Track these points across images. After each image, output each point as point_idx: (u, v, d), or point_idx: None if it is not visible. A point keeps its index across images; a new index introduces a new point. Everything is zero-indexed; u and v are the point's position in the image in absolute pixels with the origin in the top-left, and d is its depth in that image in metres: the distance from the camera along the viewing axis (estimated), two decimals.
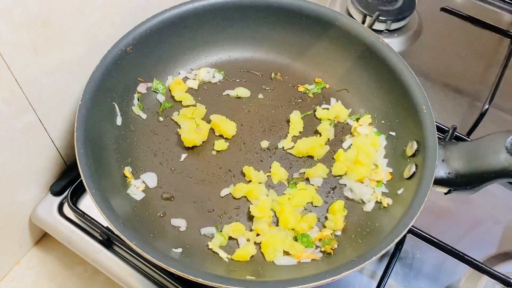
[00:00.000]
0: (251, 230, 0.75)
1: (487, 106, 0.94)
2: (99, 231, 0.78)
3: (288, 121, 0.86)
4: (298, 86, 0.91)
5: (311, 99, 0.90)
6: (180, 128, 0.84)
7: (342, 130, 0.87)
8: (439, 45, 1.11)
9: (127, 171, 0.78)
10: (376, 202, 0.77)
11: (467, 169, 0.70)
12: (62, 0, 0.68)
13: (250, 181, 0.80)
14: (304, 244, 0.73)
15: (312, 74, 0.92)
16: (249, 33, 0.92)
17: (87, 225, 0.80)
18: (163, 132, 0.84)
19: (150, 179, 0.78)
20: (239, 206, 0.78)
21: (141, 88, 0.86)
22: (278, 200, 0.77)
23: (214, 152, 0.83)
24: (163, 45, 0.87)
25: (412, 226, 0.71)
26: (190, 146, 0.82)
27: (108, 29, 0.80)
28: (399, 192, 0.75)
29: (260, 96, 0.90)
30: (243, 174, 0.80)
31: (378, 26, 1.08)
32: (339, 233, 0.75)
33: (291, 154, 0.83)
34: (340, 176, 0.81)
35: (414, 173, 0.73)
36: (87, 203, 0.82)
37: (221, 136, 0.85)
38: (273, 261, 0.72)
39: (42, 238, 0.88)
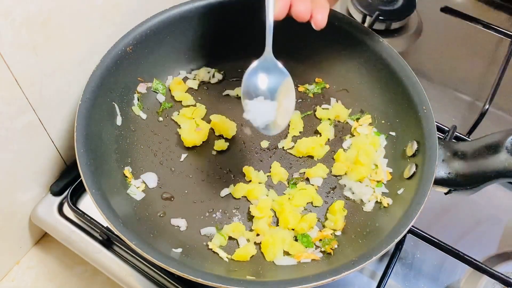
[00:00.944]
0: (251, 230, 0.75)
1: (487, 106, 0.94)
2: (99, 231, 0.78)
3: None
4: (298, 86, 0.91)
5: (311, 99, 0.90)
6: (180, 128, 0.84)
7: (342, 130, 0.87)
8: (439, 45, 1.11)
9: (127, 171, 0.78)
10: (376, 202, 0.77)
11: (467, 169, 0.70)
12: (62, 0, 0.68)
13: (250, 181, 0.80)
14: (304, 244, 0.73)
15: (312, 74, 0.92)
16: (249, 33, 0.91)
17: (87, 225, 0.80)
18: (163, 132, 0.84)
19: (151, 179, 0.78)
20: (239, 206, 0.78)
21: (141, 88, 0.86)
22: (278, 200, 0.77)
23: (214, 152, 0.83)
24: (163, 45, 0.87)
25: (412, 226, 0.71)
26: (190, 146, 0.82)
27: (108, 29, 0.80)
28: (399, 192, 0.75)
29: None
30: (243, 174, 0.80)
31: (378, 26, 1.08)
32: (339, 233, 0.75)
33: (291, 154, 0.83)
34: (340, 176, 0.81)
35: (414, 173, 0.73)
36: (87, 203, 0.82)
37: (221, 136, 0.85)
38: (273, 261, 0.72)
39: (42, 238, 0.88)
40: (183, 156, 0.82)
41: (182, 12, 0.86)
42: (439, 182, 0.71)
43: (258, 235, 0.74)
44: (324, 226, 0.76)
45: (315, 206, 0.78)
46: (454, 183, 0.72)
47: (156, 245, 0.68)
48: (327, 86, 0.91)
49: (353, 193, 0.79)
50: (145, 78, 0.86)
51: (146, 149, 0.82)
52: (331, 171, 0.82)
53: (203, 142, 0.83)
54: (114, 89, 0.81)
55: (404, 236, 0.75)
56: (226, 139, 0.84)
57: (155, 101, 0.87)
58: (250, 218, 0.76)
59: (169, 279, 0.75)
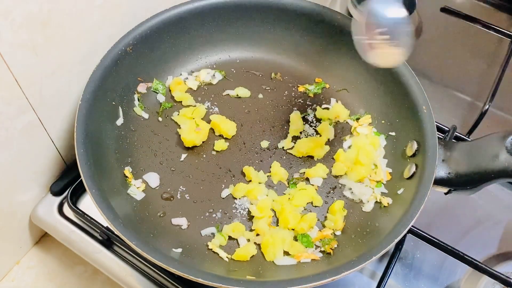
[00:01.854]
0: (251, 230, 0.75)
1: (487, 106, 0.94)
2: (99, 231, 0.78)
3: (288, 121, 0.86)
4: (298, 86, 0.91)
5: (311, 99, 0.90)
6: (180, 128, 0.84)
7: (342, 130, 0.87)
8: (439, 45, 1.11)
9: (127, 171, 0.78)
10: (376, 202, 0.77)
11: (467, 169, 0.70)
12: (62, 0, 0.68)
13: (250, 181, 0.80)
14: (304, 244, 0.73)
15: (312, 74, 0.92)
16: (249, 33, 0.92)
17: (87, 225, 0.80)
18: (163, 132, 0.84)
19: (153, 179, 0.78)
20: (239, 206, 0.78)
21: (141, 88, 0.86)
22: (278, 200, 0.77)
23: (214, 152, 0.83)
24: (163, 45, 0.87)
25: (412, 226, 0.71)
26: (190, 146, 0.82)
27: (108, 29, 0.80)
28: (399, 192, 0.75)
29: (260, 96, 0.90)
30: (243, 174, 0.80)
31: None
32: (339, 233, 0.75)
33: (291, 154, 0.83)
34: (340, 176, 0.81)
35: (414, 173, 0.73)
36: (87, 203, 0.82)
37: (221, 136, 0.85)
38: (273, 261, 0.72)
39: (42, 238, 0.88)
40: (183, 156, 0.82)
41: (182, 12, 0.86)
42: (439, 182, 0.71)
43: (258, 235, 0.74)
44: (324, 226, 0.76)
45: (315, 206, 0.78)
46: (454, 183, 0.72)
47: (156, 245, 0.68)
48: (327, 86, 0.91)
49: (353, 193, 0.79)
50: (145, 78, 0.86)
51: (146, 149, 0.82)
52: (331, 171, 0.82)
53: (203, 142, 0.83)
54: (114, 89, 0.81)
55: (404, 236, 0.75)
56: (226, 139, 0.84)
57: (155, 101, 0.87)
58: (250, 218, 0.76)
59: (169, 279, 0.75)
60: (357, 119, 0.87)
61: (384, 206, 0.75)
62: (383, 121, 0.85)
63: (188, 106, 0.87)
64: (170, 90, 0.89)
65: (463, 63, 1.08)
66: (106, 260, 0.77)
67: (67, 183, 0.83)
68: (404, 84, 0.79)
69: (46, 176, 0.83)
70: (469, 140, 0.89)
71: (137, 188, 0.77)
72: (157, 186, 0.78)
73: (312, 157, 0.83)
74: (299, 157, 0.83)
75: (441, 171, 0.72)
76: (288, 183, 0.80)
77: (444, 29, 1.14)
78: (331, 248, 0.72)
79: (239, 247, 0.73)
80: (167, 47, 0.87)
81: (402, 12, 0.65)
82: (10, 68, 0.65)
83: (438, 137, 0.73)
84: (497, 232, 0.84)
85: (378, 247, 0.64)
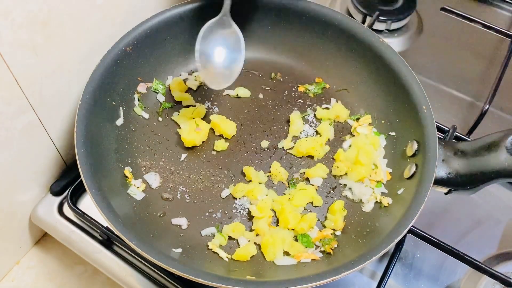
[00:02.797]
0: (251, 230, 0.75)
1: (487, 106, 0.94)
2: (99, 231, 0.78)
3: (288, 121, 0.86)
4: (298, 86, 0.91)
5: (311, 99, 0.90)
6: (180, 128, 0.84)
7: (342, 130, 0.87)
8: (439, 45, 1.11)
9: (127, 171, 0.78)
10: (376, 202, 0.77)
11: (467, 169, 0.70)
12: (62, 0, 0.68)
13: (250, 181, 0.80)
14: (304, 244, 0.73)
15: (312, 74, 0.92)
16: (249, 33, 0.91)
17: (87, 225, 0.80)
18: (163, 132, 0.84)
19: (153, 179, 0.78)
20: (239, 206, 0.78)
21: (141, 88, 0.86)
22: (278, 200, 0.77)
23: (214, 152, 0.83)
24: (163, 45, 0.87)
25: (412, 226, 0.71)
26: (190, 146, 0.82)
27: (108, 29, 0.80)
28: (399, 192, 0.75)
29: (260, 96, 0.90)
30: (243, 174, 0.80)
31: (378, 26, 1.08)
32: (339, 233, 0.75)
33: (291, 154, 0.83)
34: (340, 176, 0.81)
35: (414, 173, 0.73)
36: (87, 203, 0.82)
37: (221, 136, 0.85)
38: (273, 261, 0.72)
39: (42, 238, 0.88)
40: (183, 156, 0.82)
41: (182, 12, 0.86)
42: (439, 182, 0.71)
43: (258, 235, 0.74)
44: (324, 226, 0.76)
45: (315, 206, 0.78)
46: (454, 183, 0.72)
47: (156, 245, 0.68)
48: (327, 86, 0.91)
49: (353, 193, 0.79)
50: (145, 78, 0.86)
51: (146, 149, 0.82)
52: (331, 171, 0.82)
53: (203, 142, 0.83)
54: (114, 89, 0.81)
55: (404, 236, 0.75)
56: (226, 139, 0.84)
57: (155, 101, 0.87)
58: (250, 218, 0.76)
59: (169, 279, 0.75)
60: (357, 119, 0.87)
61: (384, 206, 0.75)
62: (383, 121, 0.85)
63: (188, 106, 0.87)
64: (170, 90, 0.89)
65: (463, 63, 1.08)
66: (106, 260, 0.77)
67: (67, 183, 0.83)
68: (404, 84, 0.79)
69: (46, 176, 0.83)
70: (469, 140, 0.89)
71: (137, 188, 0.77)
72: (157, 186, 0.78)
73: (312, 157, 0.83)
74: (299, 157, 0.83)
75: (441, 171, 0.72)
76: (288, 183, 0.80)
77: (444, 29, 1.14)
78: (331, 248, 0.72)
79: (239, 247, 0.73)
80: (167, 47, 0.88)
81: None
82: (10, 68, 0.65)
83: (438, 137, 0.73)
84: (497, 232, 0.84)
85: (378, 247, 0.64)
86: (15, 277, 0.84)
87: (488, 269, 0.73)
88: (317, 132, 0.86)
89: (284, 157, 0.83)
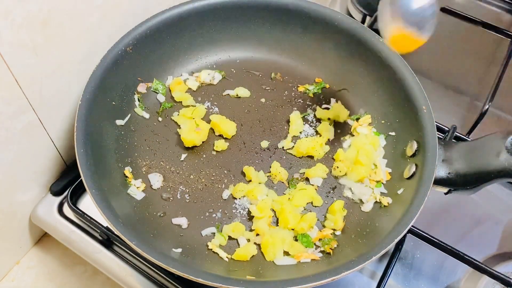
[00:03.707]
0: (251, 230, 0.75)
1: (487, 106, 0.94)
2: (99, 231, 0.78)
3: (288, 121, 0.86)
4: (298, 86, 0.91)
5: (311, 99, 0.90)
6: (180, 128, 0.84)
7: (342, 130, 0.87)
8: (439, 45, 1.11)
9: (127, 171, 0.78)
10: (376, 202, 0.77)
11: (467, 169, 0.70)
12: (62, 0, 0.68)
13: (250, 181, 0.80)
14: (304, 244, 0.73)
15: (312, 74, 0.92)
16: (249, 33, 0.92)
17: (87, 225, 0.80)
18: (163, 132, 0.84)
19: (156, 180, 0.78)
20: (239, 206, 0.78)
21: (141, 88, 0.86)
22: (278, 200, 0.77)
23: (214, 152, 0.83)
24: (163, 45, 0.87)
25: (412, 226, 0.71)
26: (190, 146, 0.82)
27: (108, 29, 0.80)
28: (399, 192, 0.75)
29: (260, 96, 0.90)
30: (243, 174, 0.80)
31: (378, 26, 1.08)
32: (339, 233, 0.75)
33: (291, 154, 0.83)
34: (340, 176, 0.81)
35: (414, 173, 0.73)
36: (87, 203, 0.82)
37: (221, 136, 0.85)
38: (273, 261, 0.72)
39: (42, 238, 0.88)
40: (183, 156, 0.82)
41: (182, 12, 0.86)
42: (439, 182, 0.71)
43: (258, 235, 0.74)
44: (324, 226, 0.76)
45: (315, 206, 0.78)
46: (454, 183, 0.72)
47: (156, 245, 0.68)
48: (327, 86, 0.91)
49: (352, 193, 0.79)
50: (145, 78, 0.86)
51: (146, 149, 0.82)
52: (331, 171, 0.82)
53: (203, 142, 0.83)
54: (114, 89, 0.81)
55: (404, 236, 0.75)
56: (226, 139, 0.84)
57: (155, 101, 0.87)
58: (250, 218, 0.76)
59: (169, 279, 0.75)
60: (357, 119, 0.87)
61: (384, 206, 0.75)
62: (383, 121, 0.85)
63: (188, 106, 0.87)
64: (170, 90, 0.89)
65: (463, 63, 1.08)
66: (106, 260, 0.77)
67: (67, 183, 0.83)
68: (404, 84, 0.79)
69: (46, 176, 0.83)
70: (469, 140, 0.89)
71: (137, 188, 0.77)
72: (159, 187, 0.78)
73: (312, 157, 0.83)
74: (299, 157, 0.83)
75: (441, 171, 0.72)
76: (288, 183, 0.80)
77: (444, 29, 1.14)
78: (331, 248, 0.72)
79: (239, 247, 0.73)
80: (167, 47, 0.87)
81: None
82: (10, 68, 0.65)
83: (438, 137, 0.73)
84: (497, 232, 0.84)
85: (378, 247, 0.64)
86: (15, 277, 0.84)
87: (488, 269, 0.73)
88: (317, 132, 0.86)
89: (284, 157, 0.83)
